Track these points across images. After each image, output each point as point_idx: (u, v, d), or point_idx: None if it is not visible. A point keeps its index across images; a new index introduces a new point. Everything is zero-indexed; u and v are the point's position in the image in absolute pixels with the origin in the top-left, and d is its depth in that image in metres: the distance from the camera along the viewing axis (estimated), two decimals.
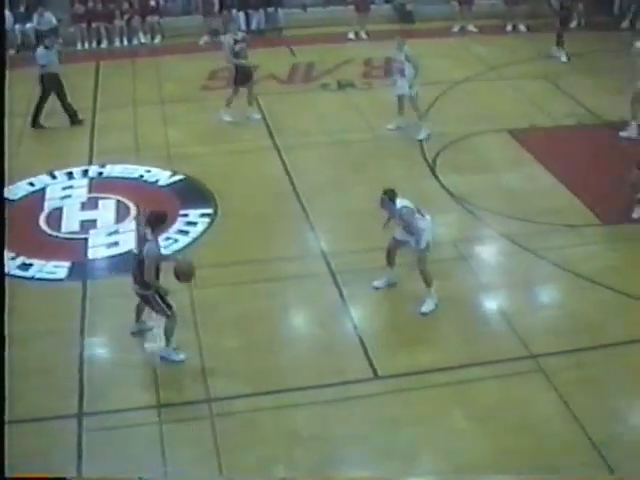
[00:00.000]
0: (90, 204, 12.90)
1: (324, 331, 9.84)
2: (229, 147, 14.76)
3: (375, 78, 18.21)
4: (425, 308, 9.95)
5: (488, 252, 11.66)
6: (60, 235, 12.05)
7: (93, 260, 11.45)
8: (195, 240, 11.76)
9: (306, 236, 11.91)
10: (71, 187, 13.40)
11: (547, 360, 9.14)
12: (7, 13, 18.16)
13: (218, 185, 13.17)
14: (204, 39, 21.25)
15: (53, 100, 15.66)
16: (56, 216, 12.50)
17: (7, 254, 9.53)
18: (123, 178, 13.69)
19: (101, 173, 13.88)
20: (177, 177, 13.58)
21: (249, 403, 8.66)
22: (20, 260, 11.07)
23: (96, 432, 8.29)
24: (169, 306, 9.07)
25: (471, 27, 21.77)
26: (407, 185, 11.92)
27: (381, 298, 10.41)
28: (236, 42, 15.57)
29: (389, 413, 8.51)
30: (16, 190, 12.93)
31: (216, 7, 21.55)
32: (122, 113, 16.40)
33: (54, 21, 20.03)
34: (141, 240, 9.08)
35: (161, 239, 9.98)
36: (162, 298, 9.01)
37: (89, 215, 12.55)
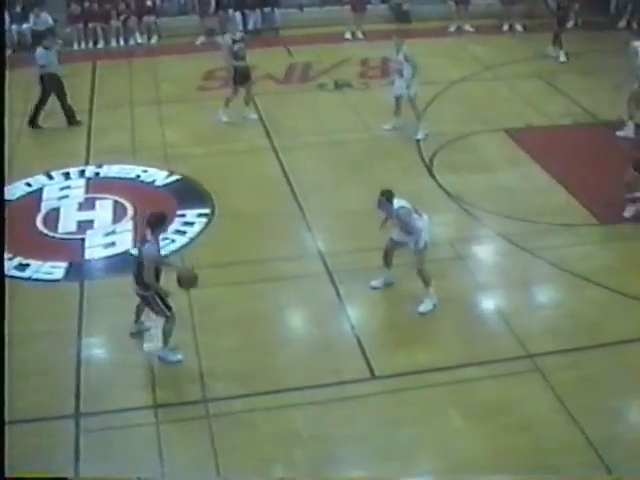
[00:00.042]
0: (87, 204, 12.89)
1: (321, 331, 9.85)
2: (226, 147, 14.75)
3: (372, 78, 18.21)
4: (423, 308, 9.96)
5: (485, 252, 11.67)
6: (57, 235, 12.04)
7: (90, 260, 11.44)
8: (192, 240, 11.76)
9: (303, 236, 11.92)
10: (68, 187, 13.40)
11: (544, 360, 9.15)
12: None
13: (215, 185, 13.17)
14: (200, 39, 21.22)
15: (52, 101, 15.65)
16: (53, 216, 12.49)
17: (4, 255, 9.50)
18: (120, 178, 13.68)
19: (98, 173, 13.87)
20: (174, 177, 13.57)
21: (246, 403, 8.66)
22: (17, 261, 11.06)
23: (93, 432, 8.29)
24: (169, 307, 9.06)
25: (467, 27, 21.78)
26: (404, 185, 11.93)
27: (378, 298, 10.41)
28: (235, 42, 15.57)
29: (387, 413, 8.52)
30: (13, 190, 12.91)
31: (212, 7, 21.56)
32: (119, 113, 16.40)
33: (50, 21, 20.02)
34: (142, 241, 9.10)
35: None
36: (162, 299, 9.01)
37: (86, 215, 12.54)
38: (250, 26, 21.57)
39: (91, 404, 8.65)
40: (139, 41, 21.45)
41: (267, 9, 21.99)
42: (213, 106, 15.91)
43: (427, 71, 15.39)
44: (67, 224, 12.29)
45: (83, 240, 11.85)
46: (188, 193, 13.07)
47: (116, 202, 12.79)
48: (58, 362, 9.28)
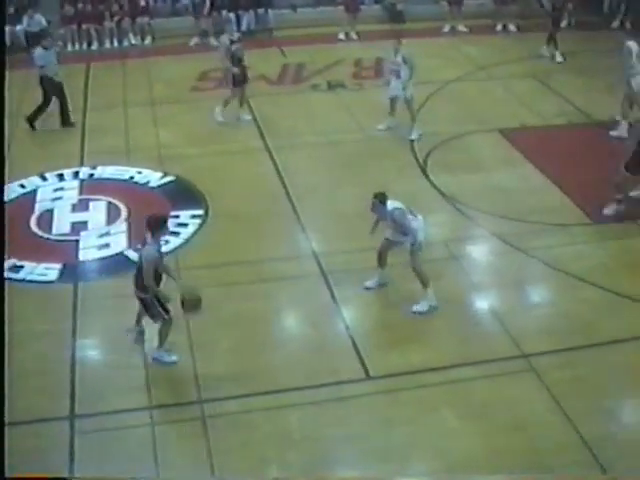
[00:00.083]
0: (81, 206, 12.87)
1: (316, 331, 9.85)
2: (220, 148, 14.75)
3: (365, 79, 18.25)
4: (417, 308, 9.96)
5: (479, 252, 11.68)
6: (51, 237, 12.02)
7: (84, 262, 11.43)
8: (186, 241, 11.75)
9: (297, 237, 11.91)
10: (62, 189, 13.38)
11: (539, 359, 9.16)
12: None
13: (209, 186, 13.16)
14: (194, 40, 21.24)
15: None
16: (47, 218, 12.48)
17: None
18: (114, 180, 13.67)
19: (92, 175, 13.86)
20: (168, 178, 13.56)
21: (241, 404, 8.66)
22: (11, 262, 10.99)
23: (88, 434, 8.27)
24: (167, 311, 9.04)
25: (461, 27, 21.82)
26: (398, 185, 11.95)
27: (373, 298, 10.42)
28: (232, 42, 15.56)
29: (381, 413, 8.52)
30: (7, 192, 12.87)
31: (206, 8, 21.55)
32: (113, 114, 16.39)
33: (44, 22, 19.98)
34: (142, 244, 9.11)
35: None
36: (160, 302, 8.99)
37: (80, 217, 12.52)
38: (244, 27, 21.53)
39: (86, 405, 8.63)
40: (133, 42, 21.45)
41: (261, 10, 22.01)
42: (207, 107, 15.90)
43: (421, 71, 15.39)
44: (61, 225, 12.27)
45: (77, 241, 11.83)
46: (182, 194, 13.05)
47: (110, 203, 12.78)
48: (53, 364, 9.25)
